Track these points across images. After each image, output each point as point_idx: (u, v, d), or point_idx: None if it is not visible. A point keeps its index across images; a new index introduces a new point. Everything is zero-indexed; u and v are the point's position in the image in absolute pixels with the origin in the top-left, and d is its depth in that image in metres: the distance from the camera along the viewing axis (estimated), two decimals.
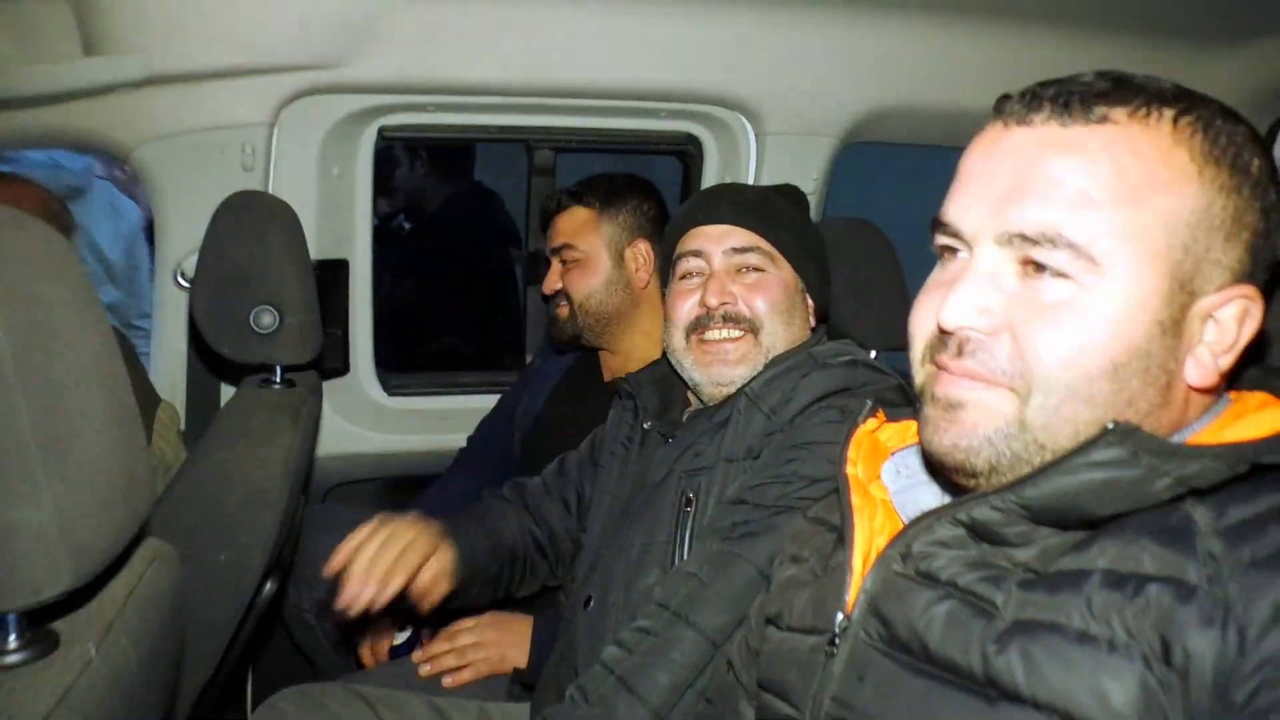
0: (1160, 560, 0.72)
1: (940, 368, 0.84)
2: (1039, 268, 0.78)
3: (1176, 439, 0.81)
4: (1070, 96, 0.79)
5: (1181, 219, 0.77)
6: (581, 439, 1.79)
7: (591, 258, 2.02)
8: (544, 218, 2.12)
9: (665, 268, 1.61)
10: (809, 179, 2.45)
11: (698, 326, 1.49)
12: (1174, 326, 0.78)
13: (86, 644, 0.75)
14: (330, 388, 2.32)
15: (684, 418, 1.56)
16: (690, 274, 1.52)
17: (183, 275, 2.11)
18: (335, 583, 2.10)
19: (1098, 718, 0.70)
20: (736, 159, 2.44)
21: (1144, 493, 0.75)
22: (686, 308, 1.50)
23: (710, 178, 2.50)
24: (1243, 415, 0.83)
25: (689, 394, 1.57)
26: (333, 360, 2.32)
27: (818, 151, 2.44)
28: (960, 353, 0.81)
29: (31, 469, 0.68)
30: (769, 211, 1.54)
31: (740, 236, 1.51)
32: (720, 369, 1.47)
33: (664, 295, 1.61)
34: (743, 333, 1.47)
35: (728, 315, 1.47)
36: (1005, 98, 0.83)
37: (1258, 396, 0.85)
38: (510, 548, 1.65)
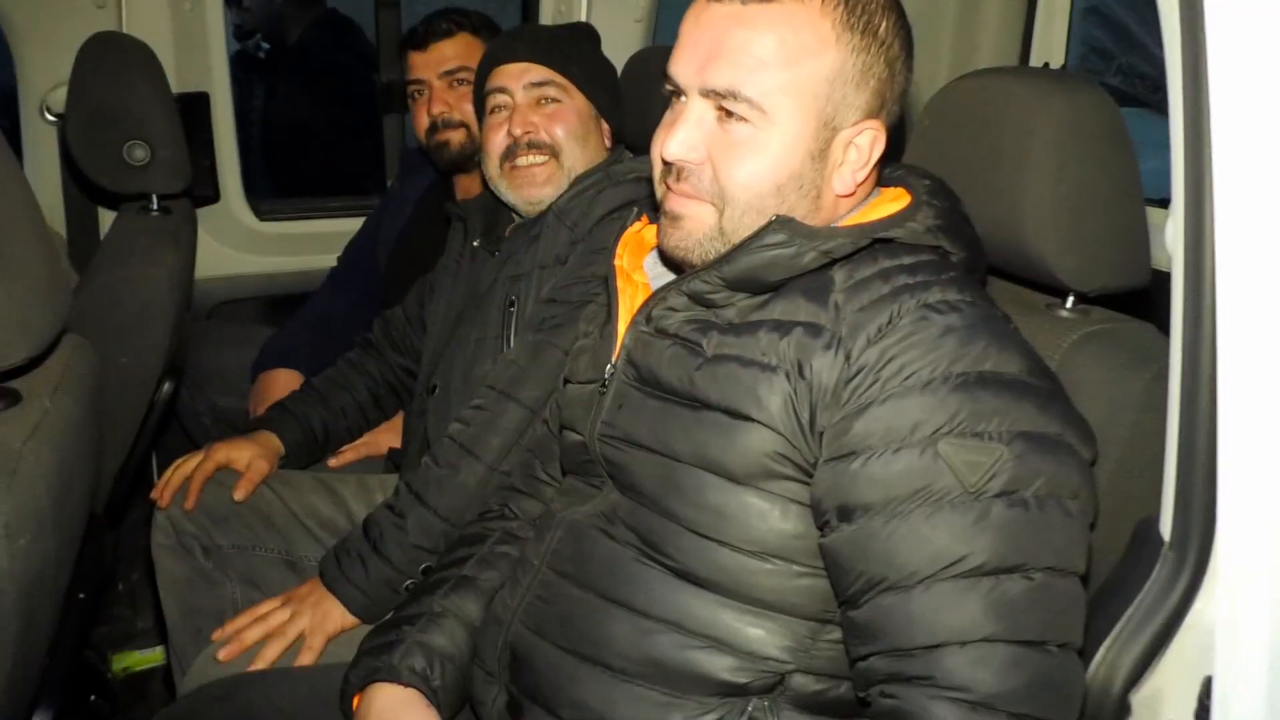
0: (807, 310, 1.05)
1: (668, 189, 1.13)
2: (729, 114, 1.07)
3: (833, 225, 1.13)
4: None
5: (824, 76, 1.05)
6: (438, 254, 2.00)
7: None
8: (419, 42, 2.10)
9: (479, 105, 1.81)
10: (639, 6, 2.64)
11: (509, 155, 1.71)
12: (821, 154, 1.08)
13: (43, 398, 1.03)
14: (204, 214, 2.46)
15: (506, 234, 1.82)
16: (498, 108, 1.73)
17: (48, 110, 2.22)
18: (227, 387, 2.35)
19: (757, 414, 1.04)
20: None
21: (798, 264, 1.06)
22: (498, 139, 1.72)
23: (547, 5, 2.65)
24: (879, 206, 1.16)
25: (511, 215, 1.82)
26: (203, 189, 2.45)
27: None
28: (679, 178, 1.11)
29: None
30: (560, 47, 1.75)
31: (536, 72, 1.71)
32: (530, 189, 1.71)
33: (480, 129, 1.82)
34: (546, 157, 1.71)
35: (532, 143, 1.69)
36: None
37: (894, 190, 1.18)
38: (363, 402, 1.97)
